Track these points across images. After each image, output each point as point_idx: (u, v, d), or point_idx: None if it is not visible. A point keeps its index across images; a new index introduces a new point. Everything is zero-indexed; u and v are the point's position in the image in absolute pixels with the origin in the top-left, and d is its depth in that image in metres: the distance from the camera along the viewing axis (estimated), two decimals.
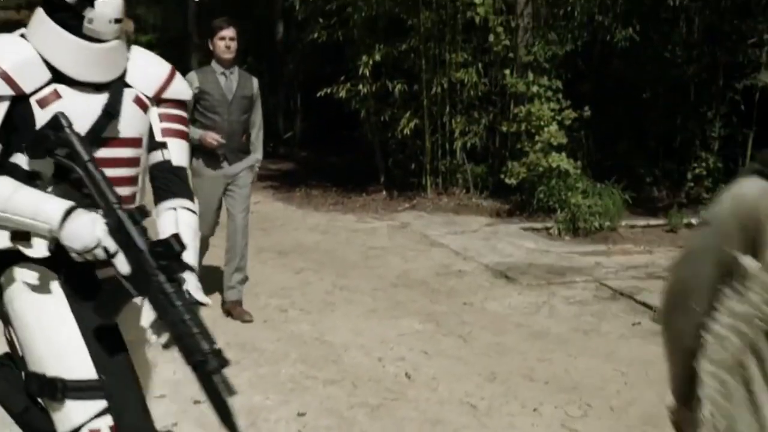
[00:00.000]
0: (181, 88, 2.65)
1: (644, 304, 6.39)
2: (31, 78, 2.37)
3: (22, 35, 2.44)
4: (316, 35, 11.06)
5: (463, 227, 9.56)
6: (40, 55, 2.38)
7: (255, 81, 6.04)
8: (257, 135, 6.07)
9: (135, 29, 30.89)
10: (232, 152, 5.88)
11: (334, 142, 14.06)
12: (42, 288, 2.42)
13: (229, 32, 5.76)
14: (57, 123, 2.33)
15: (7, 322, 2.45)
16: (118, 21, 2.39)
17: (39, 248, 2.36)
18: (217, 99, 5.78)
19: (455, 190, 11.17)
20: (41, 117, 2.37)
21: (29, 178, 2.39)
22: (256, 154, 6.06)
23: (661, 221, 9.65)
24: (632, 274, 7.38)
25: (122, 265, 2.30)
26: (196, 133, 5.49)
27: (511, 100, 10.71)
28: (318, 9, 11.03)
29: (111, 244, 2.28)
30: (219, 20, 5.87)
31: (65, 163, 2.34)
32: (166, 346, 2.28)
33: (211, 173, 5.81)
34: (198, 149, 5.62)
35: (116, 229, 2.29)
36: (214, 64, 5.85)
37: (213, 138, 5.71)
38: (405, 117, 10.73)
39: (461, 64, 10.78)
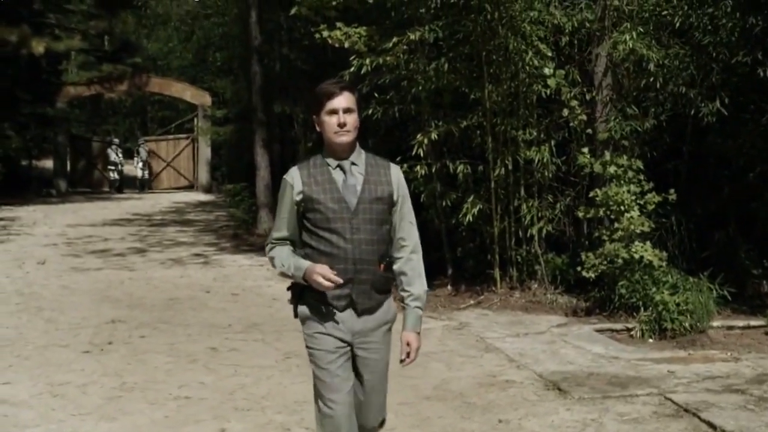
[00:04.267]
0: None
1: (709, 423, 6.20)
2: None
3: None
4: (370, 111, 11.32)
5: (528, 328, 9.49)
6: None
7: (395, 171, 4.32)
8: (409, 257, 4.29)
9: (212, 102, 32.29)
10: (362, 292, 4.17)
11: None
12: None
13: (342, 101, 4.13)
14: None
15: None
16: None
17: None
18: (333, 208, 4.13)
19: (531, 285, 11.11)
20: None
21: None
22: (412, 288, 4.28)
23: (762, 321, 9.37)
24: (707, 386, 7.18)
25: None
26: (300, 266, 4.13)
27: (589, 182, 10.68)
28: (373, 83, 11.33)
29: None
30: (328, 84, 4.21)
31: None
32: None
33: (323, 328, 4.23)
34: (307, 292, 4.21)
35: None
36: (324, 154, 4.24)
37: (323, 275, 4.02)
38: (468, 201, 10.78)
39: (531, 141, 10.85)
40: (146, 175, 34.78)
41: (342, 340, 4.20)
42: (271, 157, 18.12)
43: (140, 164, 34.60)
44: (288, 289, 4.36)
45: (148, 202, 28.11)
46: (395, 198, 4.27)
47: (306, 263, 4.11)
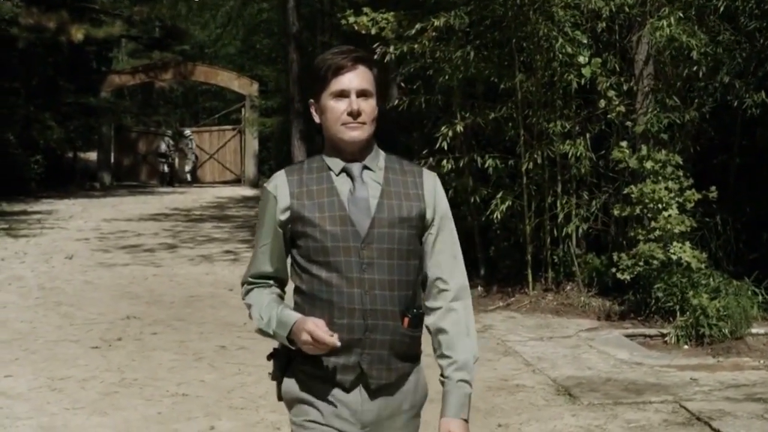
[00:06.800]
0: None
1: None
2: None
3: None
4: (396, 102, 11.50)
5: (555, 332, 9.59)
6: None
7: (430, 180, 3.10)
8: (449, 307, 3.07)
9: (260, 92, 32.62)
10: (377, 360, 2.96)
11: None
12: None
13: (354, 79, 2.96)
14: None
15: None
16: None
17: None
18: (333, 233, 2.93)
19: (566, 287, 11.18)
20: None
21: None
22: (455, 353, 3.04)
23: None
24: (728, 394, 7.23)
25: None
26: (286, 320, 2.93)
27: (629, 179, 10.71)
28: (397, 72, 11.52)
29: None
30: (334, 53, 3.01)
31: None
32: None
33: (318, 415, 2.98)
34: (297, 360, 3.02)
35: None
36: (326, 155, 3.07)
37: (313, 333, 2.82)
38: (498, 197, 10.89)
39: (566, 134, 10.91)
40: (194, 168, 35.17)
41: (346, 423, 2.97)
42: (310, 150, 18.36)
43: (192, 157, 35.02)
44: (269, 357, 3.09)
45: (190, 197, 28.61)
46: (429, 219, 3.04)
47: (294, 316, 2.91)
